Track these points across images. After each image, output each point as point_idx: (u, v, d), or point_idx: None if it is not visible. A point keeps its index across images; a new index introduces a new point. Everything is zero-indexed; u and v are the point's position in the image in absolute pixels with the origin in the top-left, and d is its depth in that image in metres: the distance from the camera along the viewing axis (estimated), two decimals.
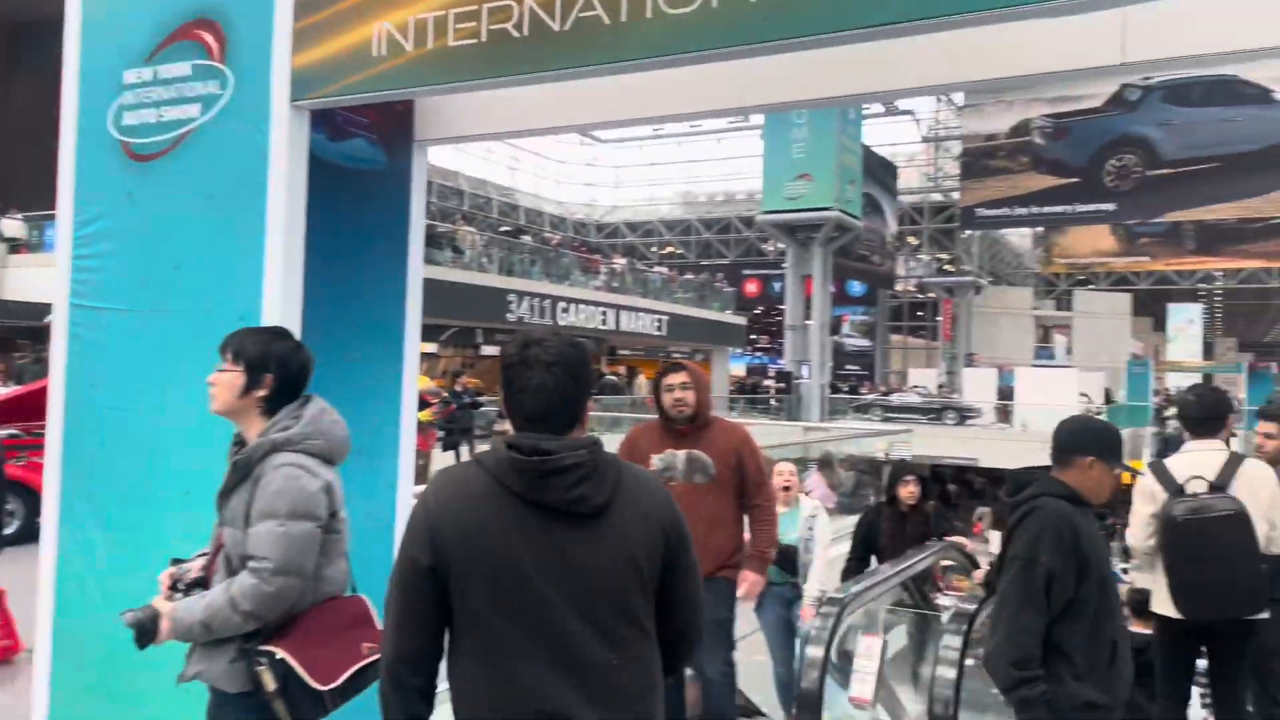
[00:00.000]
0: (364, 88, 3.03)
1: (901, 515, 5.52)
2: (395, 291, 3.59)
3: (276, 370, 2.53)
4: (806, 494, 5.72)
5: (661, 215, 46.93)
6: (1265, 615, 3.52)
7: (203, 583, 2.46)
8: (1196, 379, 43.64)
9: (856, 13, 2.34)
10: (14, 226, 20.80)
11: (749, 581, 3.86)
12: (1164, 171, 28.59)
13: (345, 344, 3.39)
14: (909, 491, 5.52)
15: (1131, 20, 2.53)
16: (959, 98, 35.84)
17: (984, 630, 3.07)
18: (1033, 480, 2.69)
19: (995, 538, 5.53)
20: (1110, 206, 29.47)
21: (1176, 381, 41.32)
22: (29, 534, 9.06)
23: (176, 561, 2.55)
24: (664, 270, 32.45)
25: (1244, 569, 3.41)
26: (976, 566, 5.16)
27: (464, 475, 1.91)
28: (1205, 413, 3.88)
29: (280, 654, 2.33)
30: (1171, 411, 31.28)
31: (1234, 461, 3.70)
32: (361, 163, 3.43)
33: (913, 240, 42.23)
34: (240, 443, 2.55)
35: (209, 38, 3.26)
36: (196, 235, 3.25)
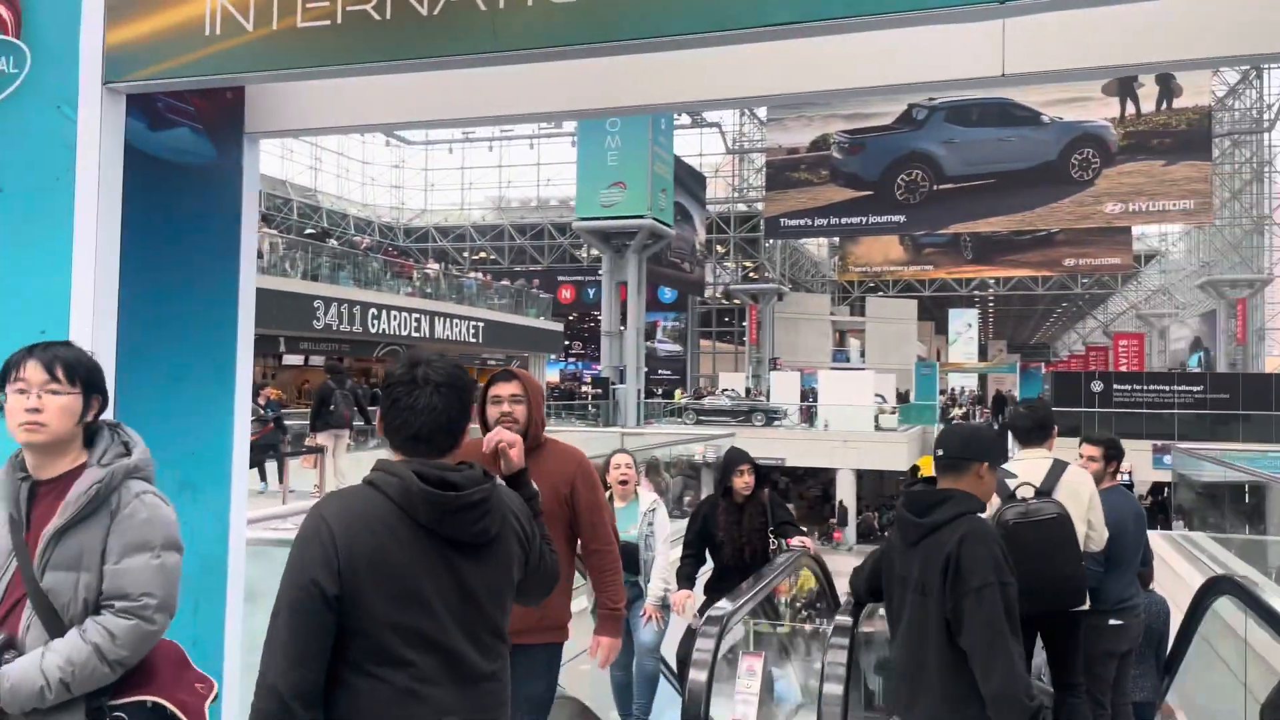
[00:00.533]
0: (193, 70, 2.69)
1: (738, 506, 5.23)
2: (224, 301, 3.22)
3: (103, 391, 2.27)
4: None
5: (474, 220, 46.14)
6: (1085, 607, 3.76)
7: (11, 644, 2.09)
8: (973, 379, 47.47)
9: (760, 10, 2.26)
10: None
11: (605, 648, 3.39)
12: (947, 186, 30.69)
13: (167, 361, 3.01)
14: (744, 482, 5.21)
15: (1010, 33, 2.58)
16: (762, 112, 37.27)
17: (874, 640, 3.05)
18: (942, 499, 2.67)
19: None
20: (900, 218, 31.37)
21: (958, 381, 44.75)
22: None
23: None
24: (479, 276, 31.87)
25: (1068, 566, 3.61)
26: (829, 578, 5.21)
27: (363, 499, 1.89)
28: (1035, 424, 4.11)
29: (156, 700, 2.13)
30: (956, 412, 33.82)
31: (1057, 469, 3.95)
32: (185, 156, 3.06)
33: (720, 249, 43.49)
34: (25, 475, 2.20)
35: (1, 9, 2.80)
36: None
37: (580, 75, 2.99)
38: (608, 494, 5.19)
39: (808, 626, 5.57)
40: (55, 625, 2.09)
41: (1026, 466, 3.97)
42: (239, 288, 3.25)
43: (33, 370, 2.17)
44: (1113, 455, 4.49)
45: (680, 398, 34.16)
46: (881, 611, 3.21)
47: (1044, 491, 3.82)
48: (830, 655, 3.09)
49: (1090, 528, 3.94)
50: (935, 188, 30.70)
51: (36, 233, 2.75)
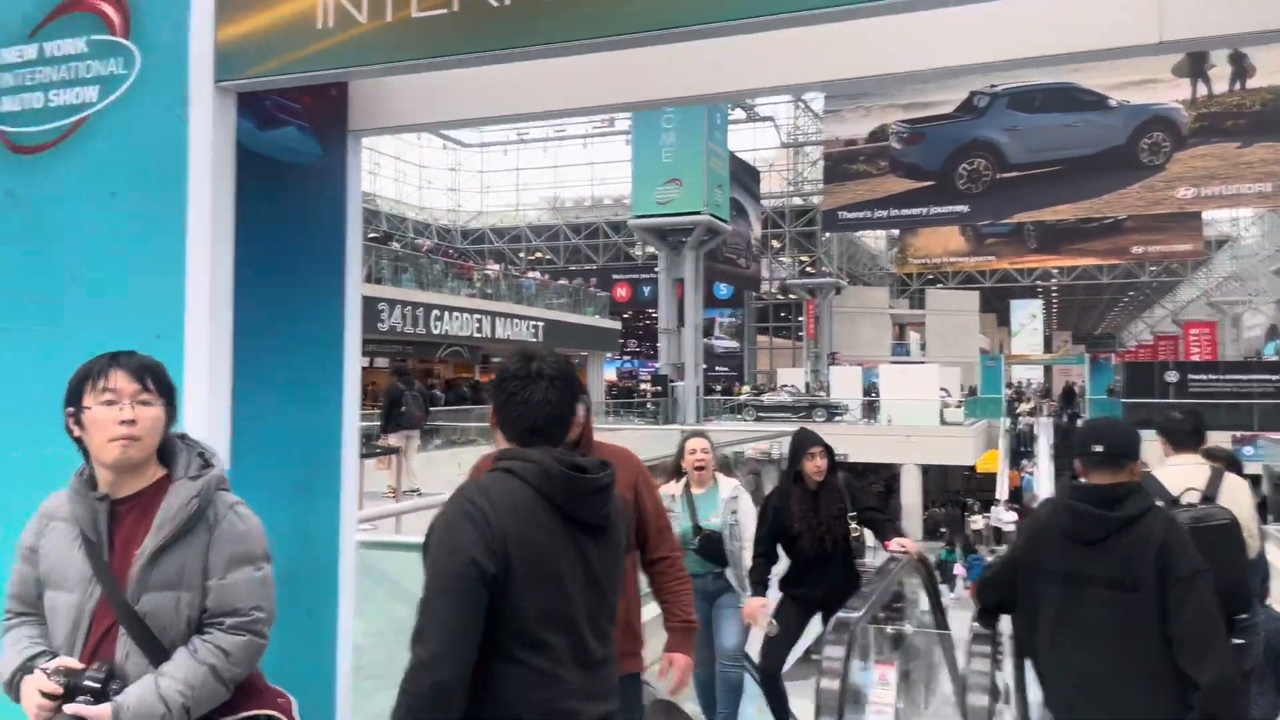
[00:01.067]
0: (304, 66, 2.62)
1: (812, 493, 4.75)
2: (333, 304, 3.16)
3: (175, 401, 2.17)
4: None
5: (529, 221, 46.36)
6: (1246, 615, 3.60)
7: (113, 673, 1.96)
8: (1038, 371, 46.44)
9: None
10: None
11: (680, 667, 2.99)
12: (1011, 175, 30.01)
13: (279, 363, 2.95)
14: (816, 465, 4.74)
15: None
16: (817, 105, 36.80)
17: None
18: (1128, 492, 2.55)
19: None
20: (963, 208, 30.69)
21: (1022, 374, 43.84)
22: None
23: (31, 667, 1.98)
24: (537, 275, 31.96)
25: (1238, 572, 3.49)
26: (934, 583, 4.97)
27: (502, 484, 1.92)
28: (1193, 428, 3.98)
29: (269, 713, 2.12)
30: (1024, 406, 33.09)
31: (1217, 475, 3.83)
32: (293, 155, 3.00)
33: (775, 243, 43.14)
34: (93, 489, 2.07)
35: (108, 9, 2.77)
36: (98, 240, 2.76)
37: (692, 59, 2.88)
38: (683, 481, 5.00)
39: (889, 629, 5.32)
40: (154, 649, 1.98)
41: (1182, 473, 3.85)
42: (345, 288, 3.19)
43: (123, 380, 2.04)
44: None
45: (742, 393, 33.87)
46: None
47: (1209, 497, 3.72)
48: (974, 664, 2.94)
49: (1250, 535, 3.79)
50: (998, 176, 30.01)
51: (150, 235, 2.71)
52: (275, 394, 2.89)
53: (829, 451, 4.83)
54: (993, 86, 29.36)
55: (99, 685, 1.91)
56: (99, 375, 2.04)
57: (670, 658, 3.02)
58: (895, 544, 4.57)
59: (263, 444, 2.82)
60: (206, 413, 2.64)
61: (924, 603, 5.10)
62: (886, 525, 4.84)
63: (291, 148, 2.99)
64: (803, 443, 4.84)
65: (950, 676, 4.87)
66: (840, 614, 3.37)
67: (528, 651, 1.86)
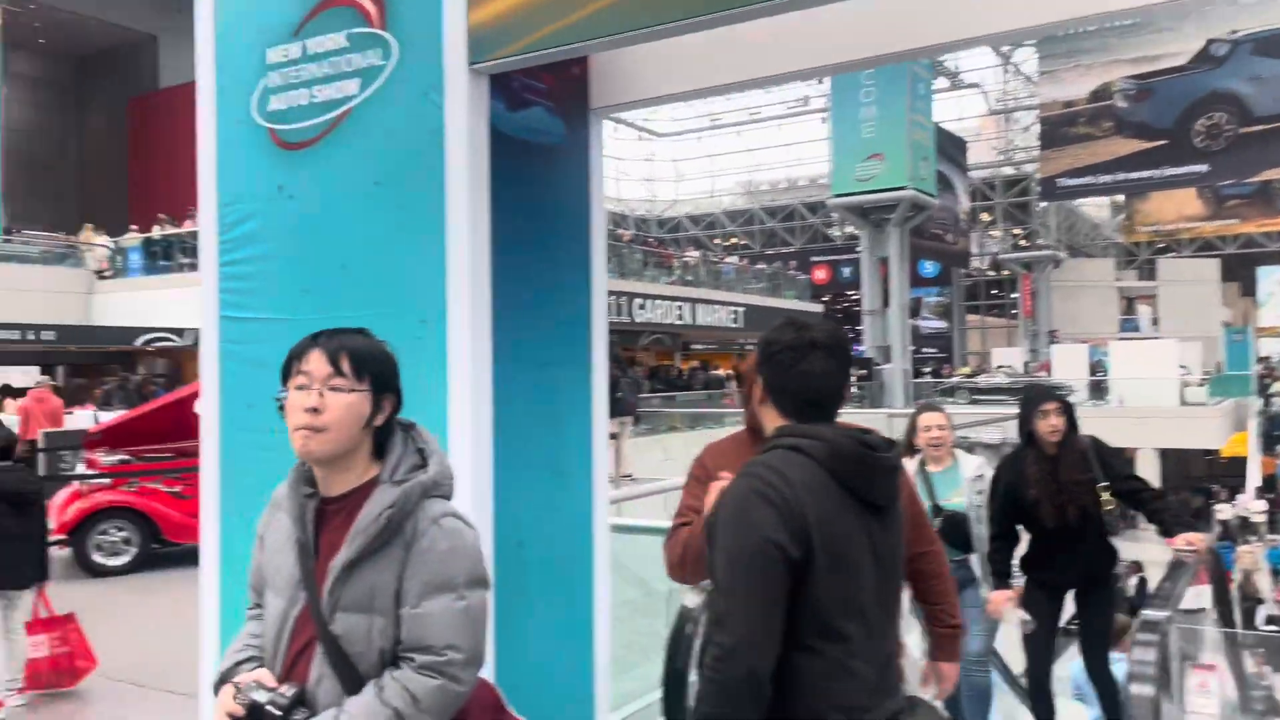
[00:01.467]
0: (555, 40, 2.56)
1: (1049, 458, 4.10)
2: (581, 285, 3.12)
3: (396, 390, 1.88)
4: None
5: (724, 206, 46.26)
6: None
7: (302, 700, 1.73)
8: None
9: None
10: (98, 252, 20.95)
11: (946, 674, 2.72)
12: (1256, 129, 27.13)
13: (533, 346, 2.92)
14: (1051, 425, 4.08)
15: None
16: (1028, 67, 34.62)
17: None
18: None
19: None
20: (1202, 168, 28.07)
21: (1272, 348, 39.59)
22: (146, 561, 8.95)
23: (233, 675, 1.82)
24: (735, 261, 31.81)
25: None
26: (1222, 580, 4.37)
27: (790, 462, 1.80)
28: None
29: None
30: (1278, 386, 29.86)
31: None
32: (541, 135, 2.97)
33: (985, 216, 40.99)
34: (312, 491, 1.85)
35: (366, 2, 2.82)
36: (364, 229, 2.82)
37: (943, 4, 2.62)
38: (916, 459, 4.59)
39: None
40: (349, 676, 1.72)
41: None
42: (592, 269, 3.14)
43: (316, 361, 1.78)
44: None
45: (964, 371, 32.34)
46: None
47: None
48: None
49: None
50: (1241, 131, 27.22)
51: (411, 222, 2.74)
52: (530, 376, 2.87)
53: (1067, 409, 4.17)
54: (1233, 33, 26.60)
55: (281, 714, 1.70)
56: (299, 355, 1.82)
57: (935, 666, 2.71)
58: (1182, 540, 3.86)
59: (519, 427, 2.81)
60: (472, 397, 2.64)
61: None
62: (1161, 510, 4.15)
63: (538, 128, 2.95)
64: (1034, 398, 4.22)
65: (1236, 682, 4.35)
66: (1147, 612, 3.00)
67: (824, 641, 1.75)
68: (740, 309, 26.86)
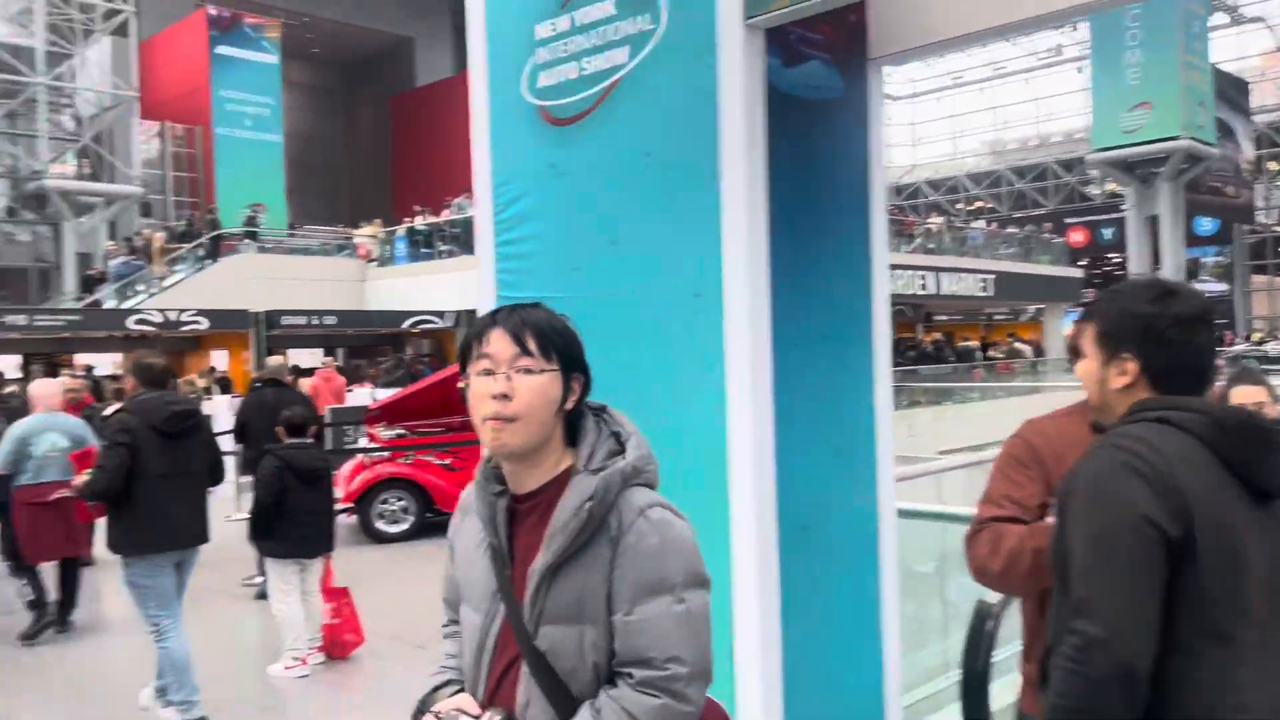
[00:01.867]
0: None
1: None
2: (861, 253, 2.90)
3: (584, 368, 1.62)
4: None
5: (967, 169, 43.79)
6: None
7: None
8: None
9: None
10: (370, 243, 22.78)
11: None
12: None
13: (811, 320, 2.74)
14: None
15: None
16: None
17: None
18: None
19: None
20: None
21: None
22: (422, 529, 9.59)
23: (425, 709, 1.62)
24: (983, 226, 30.01)
25: None
26: None
27: (1161, 435, 1.58)
28: None
29: None
30: None
31: None
32: (818, 91, 2.76)
33: (1274, 165, 36.40)
34: (501, 489, 1.63)
35: None
36: (634, 202, 2.74)
37: None
38: None
39: None
40: (561, 699, 1.51)
41: None
42: (872, 235, 2.91)
43: (499, 341, 1.54)
44: None
45: (1254, 338, 29.00)
46: None
47: None
48: None
49: None
50: None
51: (683, 192, 2.63)
52: (810, 352, 2.70)
53: None
54: None
55: None
56: (479, 337, 1.57)
57: None
58: None
59: (800, 407, 2.64)
60: (750, 376, 2.50)
61: None
62: None
63: (816, 84, 2.75)
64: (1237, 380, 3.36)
65: None
66: None
67: (1204, 642, 1.52)
68: (990, 277, 25.29)
